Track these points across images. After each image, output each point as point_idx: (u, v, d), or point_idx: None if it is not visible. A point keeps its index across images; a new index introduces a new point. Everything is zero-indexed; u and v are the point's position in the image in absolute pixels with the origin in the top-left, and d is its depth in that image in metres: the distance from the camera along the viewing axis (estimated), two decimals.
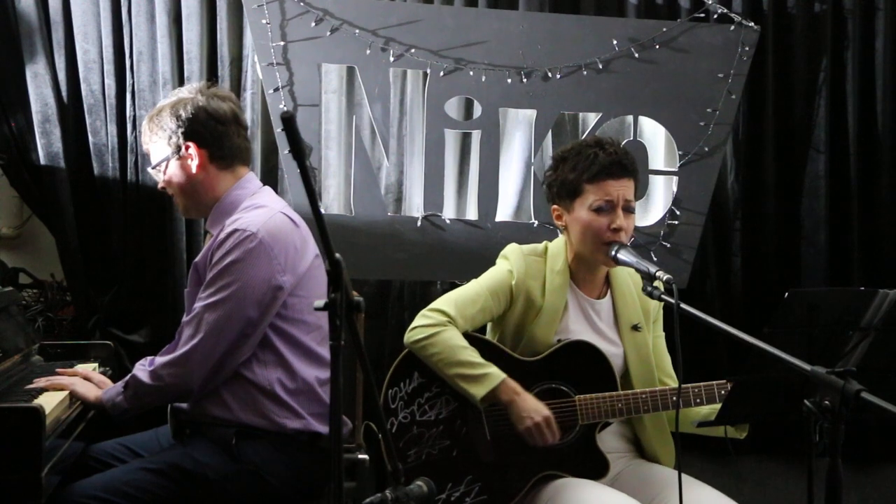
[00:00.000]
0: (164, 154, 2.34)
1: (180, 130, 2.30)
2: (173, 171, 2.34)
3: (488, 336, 2.51)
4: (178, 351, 2.21)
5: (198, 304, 2.21)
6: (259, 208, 2.29)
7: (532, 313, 2.39)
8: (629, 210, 2.37)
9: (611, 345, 2.42)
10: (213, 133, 2.32)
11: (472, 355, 2.30)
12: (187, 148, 2.31)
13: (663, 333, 2.54)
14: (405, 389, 2.38)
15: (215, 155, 2.33)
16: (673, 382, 2.46)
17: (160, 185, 2.40)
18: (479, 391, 2.26)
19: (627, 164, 2.37)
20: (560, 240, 2.49)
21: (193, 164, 2.32)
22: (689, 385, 2.30)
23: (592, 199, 2.34)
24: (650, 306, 2.48)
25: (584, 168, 2.35)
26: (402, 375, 2.39)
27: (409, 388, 2.38)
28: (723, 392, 2.28)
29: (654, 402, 2.31)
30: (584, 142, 2.45)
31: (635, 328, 2.44)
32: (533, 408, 2.27)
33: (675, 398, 2.28)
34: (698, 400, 2.30)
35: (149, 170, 2.44)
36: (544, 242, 2.51)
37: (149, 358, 2.30)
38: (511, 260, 2.44)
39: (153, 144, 2.37)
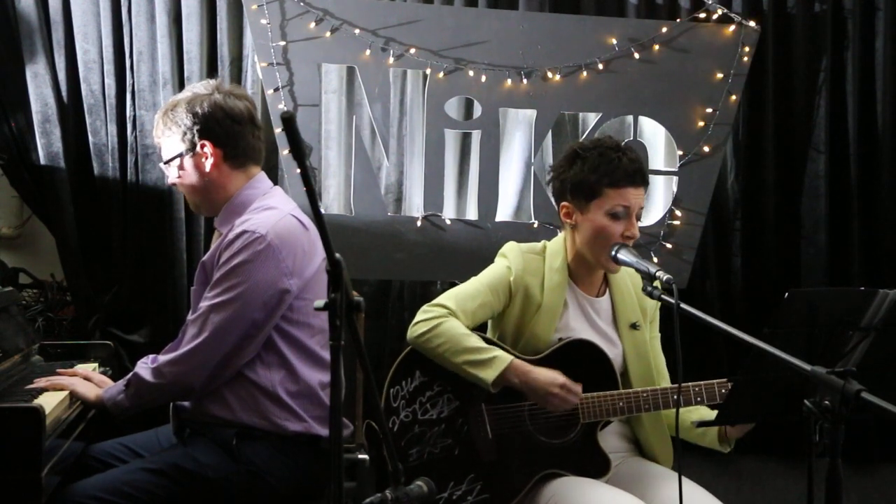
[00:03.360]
0: (177, 150, 2.31)
1: (196, 128, 2.27)
2: (186, 169, 2.31)
3: (488, 335, 2.51)
4: (181, 349, 2.20)
5: (203, 304, 2.21)
6: (269, 210, 2.28)
7: (531, 310, 2.40)
8: (638, 218, 2.38)
9: (610, 343, 2.43)
10: (229, 132, 2.29)
11: (477, 341, 2.31)
12: (202, 146, 2.28)
13: (659, 334, 2.54)
14: (407, 388, 2.38)
15: (229, 154, 2.30)
16: (667, 383, 2.46)
17: (170, 182, 2.38)
18: (489, 375, 2.26)
19: (645, 173, 2.39)
20: (559, 239, 2.48)
21: (207, 163, 2.29)
22: (689, 384, 2.30)
23: (611, 205, 2.32)
24: (648, 305, 2.48)
25: (606, 171, 2.32)
26: (403, 374, 2.39)
27: (411, 386, 2.38)
28: (723, 391, 2.29)
29: (656, 401, 2.31)
30: (604, 143, 2.40)
31: (633, 326, 2.44)
32: (547, 381, 2.27)
33: (675, 397, 2.28)
34: (699, 399, 2.30)
35: (160, 165, 2.39)
36: (542, 242, 2.51)
37: (151, 356, 2.29)
38: (509, 257, 2.45)
39: (166, 139, 2.33)
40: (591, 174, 2.34)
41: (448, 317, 2.33)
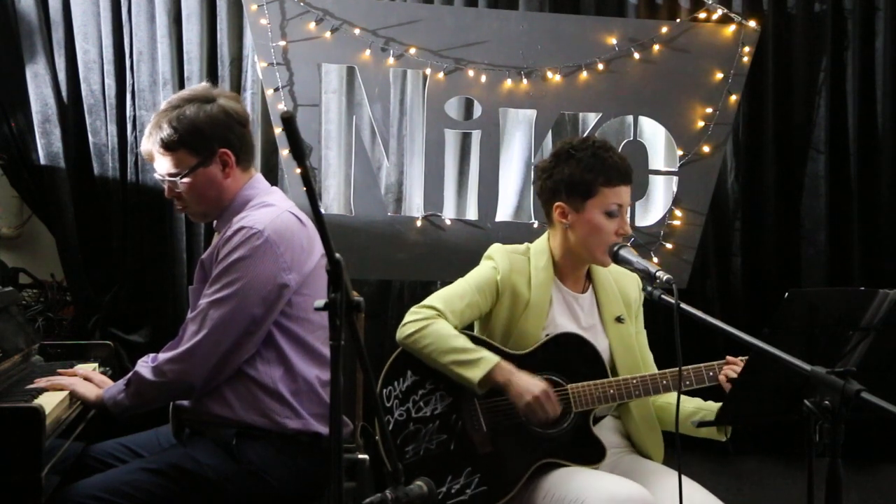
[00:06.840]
0: (190, 162, 2.24)
1: (214, 136, 2.24)
2: (200, 179, 2.26)
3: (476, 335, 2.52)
4: (181, 347, 2.20)
5: (203, 301, 2.20)
6: (266, 206, 2.28)
7: (520, 308, 2.41)
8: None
9: (596, 337, 2.43)
10: (241, 137, 2.29)
11: (464, 342, 2.32)
12: (223, 154, 2.26)
13: (644, 330, 2.55)
14: (399, 388, 2.40)
15: (241, 158, 2.30)
16: None
17: (174, 193, 2.30)
18: (475, 375, 2.27)
19: (631, 171, 2.41)
20: (542, 239, 2.50)
21: (225, 171, 2.27)
22: (675, 369, 2.29)
23: (607, 203, 2.35)
24: (631, 297, 2.50)
25: (601, 170, 2.34)
26: (395, 374, 2.41)
27: (403, 386, 2.40)
28: (711, 374, 2.30)
29: (646, 387, 2.33)
30: (593, 142, 2.41)
31: (618, 320, 2.45)
32: (531, 383, 2.28)
33: (664, 382, 2.31)
34: (687, 382, 2.31)
35: (179, 181, 2.26)
36: (525, 244, 2.52)
37: (151, 355, 2.29)
38: (495, 258, 2.47)
39: (171, 155, 2.25)
40: (587, 173, 2.35)
41: (437, 318, 2.35)
